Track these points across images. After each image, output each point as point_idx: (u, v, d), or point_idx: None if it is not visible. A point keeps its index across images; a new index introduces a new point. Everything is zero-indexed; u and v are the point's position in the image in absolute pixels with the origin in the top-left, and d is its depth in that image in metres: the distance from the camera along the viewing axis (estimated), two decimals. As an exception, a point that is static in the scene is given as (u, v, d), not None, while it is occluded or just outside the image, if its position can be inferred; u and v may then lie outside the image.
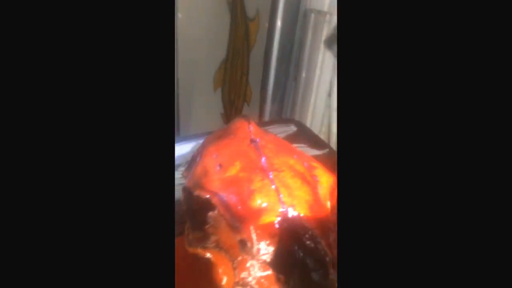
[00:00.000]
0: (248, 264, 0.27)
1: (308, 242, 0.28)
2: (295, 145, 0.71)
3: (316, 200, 0.34)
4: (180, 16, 1.22)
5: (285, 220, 0.30)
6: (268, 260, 0.28)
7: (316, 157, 0.72)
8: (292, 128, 0.76)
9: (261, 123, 0.86)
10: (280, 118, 1.27)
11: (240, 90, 1.55)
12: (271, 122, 0.81)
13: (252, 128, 0.43)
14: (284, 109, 1.51)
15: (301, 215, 0.31)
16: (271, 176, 0.35)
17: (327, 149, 0.71)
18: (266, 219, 0.29)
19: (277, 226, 0.29)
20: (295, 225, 0.30)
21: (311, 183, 0.36)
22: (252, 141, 0.41)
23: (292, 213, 0.31)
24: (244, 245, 0.28)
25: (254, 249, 0.27)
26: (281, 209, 0.31)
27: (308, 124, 1.31)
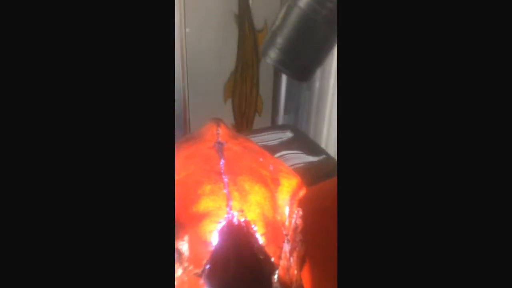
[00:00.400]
0: (178, 274, 0.25)
1: (251, 252, 0.25)
2: (289, 151, 0.68)
3: (272, 205, 0.31)
4: (188, 30, 1.25)
5: (229, 226, 0.27)
6: (200, 272, 0.25)
7: (311, 164, 0.68)
8: (288, 135, 0.73)
9: (256, 130, 0.84)
10: (276, 125, 1.24)
11: (250, 101, 1.55)
12: (266, 129, 0.79)
13: (220, 131, 0.41)
14: (299, 120, 1.48)
15: (249, 221, 0.28)
16: (225, 180, 0.32)
17: (324, 156, 0.67)
18: (206, 226, 0.27)
19: (216, 234, 0.26)
20: (239, 232, 0.27)
21: (271, 187, 0.33)
22: (218, 143, 0.39)
23: (238, 219, 0.28)
24: (179, 254, 0.25)
25: (185, 260, 0.25)
26: (226, 215, 0.28)
27: (324, 135, 1.27)
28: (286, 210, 0.32)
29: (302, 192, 0.34)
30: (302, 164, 0.65)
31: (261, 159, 0.38)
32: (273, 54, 0.46)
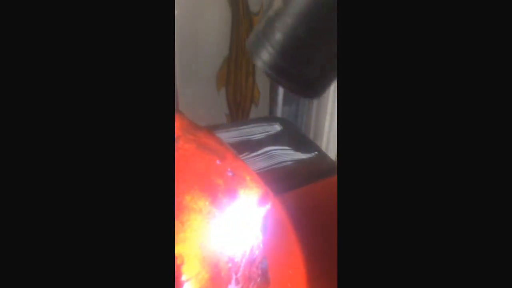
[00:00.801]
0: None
1: None
2: (276, 147, 0.59)
3: (218, 231, 0.22)
4: (177, 12, 1.15)
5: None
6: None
7: (301, 162, 0.59)
8: (276, 128, 0.64)
9: (238, 123, 0.74)
10: (265, 116, 1.15)
11: (246, 91, 1.45)
12: (251, 120, 0.69)
13: (178, 124, 0.32)
14: (300, 112, 1.39)
15: (175, 256, 0.19)
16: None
17: (315, 153, 0.58)
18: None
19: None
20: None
21: (223, 202, 0.24)
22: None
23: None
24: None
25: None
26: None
27: (325, 129, 1.17)
28: (240, 236, 0.23)
29: (266, 208, 0.25)
30: (290, 162, 0.56)
31: (218, 162, 0.29)
32: (266, 55, 0.30)
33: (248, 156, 0.58)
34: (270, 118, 0.71)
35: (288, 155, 0.57)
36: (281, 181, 0.53)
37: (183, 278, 0.19)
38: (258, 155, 0.58)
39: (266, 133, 0.63)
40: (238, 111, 1.47)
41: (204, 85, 1.33)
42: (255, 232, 0.25)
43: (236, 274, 0.22)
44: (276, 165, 0.57)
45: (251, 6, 1.34)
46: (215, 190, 0.26)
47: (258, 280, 0.24)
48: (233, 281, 0.21)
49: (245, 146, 0.59)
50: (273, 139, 0.62)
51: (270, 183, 0.53)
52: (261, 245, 0.25)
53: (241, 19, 1.33)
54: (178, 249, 0.19)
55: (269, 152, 0.59)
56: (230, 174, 0.29)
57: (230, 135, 0.61)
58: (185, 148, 0.31)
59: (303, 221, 0.41)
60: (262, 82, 1.47)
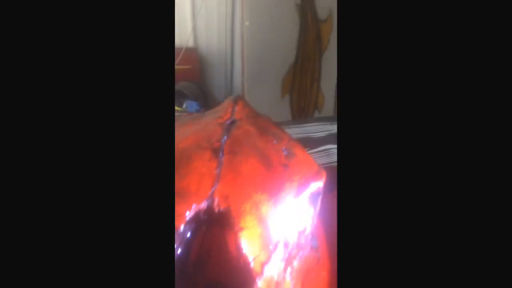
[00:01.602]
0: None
1: (226, 250, 0.19)
2: (336, 146, 0.59)
3: (270, 196, 0.23)
4: (247, 23, 1.22)
5: (203, 212, 0.21)
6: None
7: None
8: (334, 127, 0.64)
9: (302, 121, 0.74)
10: (328, 116, 1.12)
11: (310, 97, 1.45)
12: (314, 119, 0.70)
13: (236, 108, 0.35)
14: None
15: (230, 209, 0.21)
16: (221, 159, 0.26)
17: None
18: (179, 207, 0.21)
19: (187, 217, 0.21)
20: (215, 222, 0.21)
21: (276, 172, 0.26)
22: (228, 120, 0.33)
23: (218, 205, 0.22)
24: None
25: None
26: (206, 199, 0.22)
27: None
28: (291, 204, 0.24)
29: (319, 185, 0.26)
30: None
31: (275, 142, 0.31)
32: None
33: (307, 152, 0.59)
34: (332, 117, 0.70)
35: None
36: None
37: (238, 229, 0.21)
38: (317, 151, 0.59)
39: (328, 132, 0.64)
40: (301, 116, 1.48)
41: (269, 91, 1.37)
42: (307, 206, 0.26)
43: (285, 238, 0.23)
44: (333, 163, 0.57)
45: (319, 14, 1.35)
46: (271, 163, 0.28)
47: (307, 251, 0.25)
48: (281, 245, 0.23)
49: (305, 143, 0.61)
50: (334, 138, 0.62)
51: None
52: (312, 220, 0.26)
53: (309, 27, 1.35)
54: (221, 191, 0.22)
55: (329, 150, 0.59)
56: (285, 152, 0.31)
57: (291, 132, 0.62)
58: (245, 128, 0.34)
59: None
60: (327, 88, 1.46)
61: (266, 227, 0.22)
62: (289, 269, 0.22)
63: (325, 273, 0.27)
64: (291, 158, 0.28)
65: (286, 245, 0.23)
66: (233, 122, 0.34)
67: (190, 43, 1.29)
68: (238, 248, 0.20)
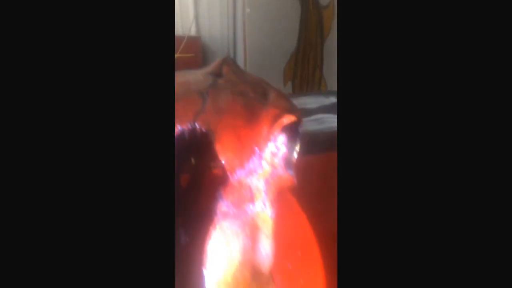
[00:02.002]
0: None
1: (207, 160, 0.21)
2: (327, 115, 0.60)
3: (248, 124, 0.25)
4: (248, 10, 1.23)
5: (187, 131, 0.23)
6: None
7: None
8: (331, 100, 0.65)
9: (298, 94, 0.76)
10: (325, 90, 1.13)
11: (313, 84, 1.46)
12: (310, 93, 0.71)
13: (225, 66, 0.37)
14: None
15: (212, 130, 0.23)
16: (206, 98, 0.28)
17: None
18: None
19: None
20: (197, 138, 0.23)
21: (256, 107, 0.28)
22: (217, 72, 0.35)
23: (199, 128, 0.24)
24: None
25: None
26: (189, 122, 0.24)
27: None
28: (265, 132, 0.26)
29: (289, 119, 0.28)
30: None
31: (258, 89, 0.32)
32: None
33: (300, 121, 0.60)
34: (329, 92, 0.72)
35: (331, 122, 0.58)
36: (324, 143, 0.54)
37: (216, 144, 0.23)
38: (310, 120, 0.60)
39: (321, 104, 0.65)
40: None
41: (271, 79, 1.38)
42: (277, 133, 0.28)
43: (260, 156, 0.25)
44: (324, 129, 0.58)
45: (320, 0, 1.36)
46: (251, 101, 0.30)
47: (282, 171, 0.27)
48: (255, 159, 0.25)
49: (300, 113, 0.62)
50: (327, 109, 0.63)
51: (315, 144, 0.55)
52: (282, 148, 0.28)
53: (310, 14, 1.36)
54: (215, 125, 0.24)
55: (320, 119, 0.60)
56: (264, 93, 0.33)
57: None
58: (231, 78, 0.36)
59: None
60: (329, 75, 1.47)
61: (242, 145, 0.24)
62: (262, 181, 0.24)
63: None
64: (270, 99, 0.30)
65: (260, 158, 0.25)
66: (220, 74, 0.36)
67: (193, 32, 1.31)
68: (216, 160, 0.21)
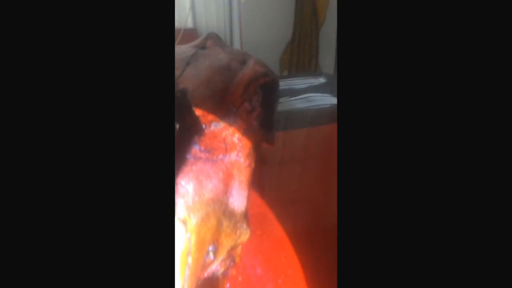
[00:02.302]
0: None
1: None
2: (316, 94, 0.62)
3: (225, 80, 0.28)
4: (243, 1, 1.25)
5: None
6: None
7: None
8: (320, 80, 0.67)
9: (288, 76, 0.77)
10: (314, 71, 1.15)
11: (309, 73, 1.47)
12: (300, 74, 0.73)
13: (209, 41, 0.39)
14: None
15: (184, 90, 0.25)
16: (186, 66, 0.31)
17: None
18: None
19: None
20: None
21: (232, 71, 0.30)
22: (201, 45, 0.37)
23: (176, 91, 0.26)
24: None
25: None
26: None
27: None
28: (240, 91, 0.28)
29: (263, 80, 0.30)
30: (328, 106, 0.58)
31: (238, 57, 0.34)
32: None
33: (288, 99, 0.62)
34: (318, 73, 0.74)
35: (326, 100, 0.60)
36: (314, 118, 0.56)
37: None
38: (298, 98, 0.62)
39: (310, 84, 0.67)
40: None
41: (268, 69, 1.40)
42: (254, 95, 0.30)
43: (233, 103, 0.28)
44: (314, 107, 0.60)
45: (314, -11, 1.37)
46: (228, 63, 0.32)
47: (257, 126, 0.30)
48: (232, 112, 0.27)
49: (287, 92, 0.64)
50: (315, 88, 0.65)
51: (305, 119, 0.57)
52: (257, 107, 0.30)
53: (305, 2, 1.38)
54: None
55: (309, 97, 0.62)
56: (241, 58, 0.35)
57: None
58: (213, 48, 0.38)
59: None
60: (325, 64, 1.48)
61: (217, 102, 0.26)
62: (236, 136, 0.27)
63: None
64: (247, 64, 0.32)
65: (235, 114, 0.27)
66: (204, 47, 0.39)
67: (189, 24, 1.33)
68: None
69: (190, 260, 0.20)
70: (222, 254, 0.25)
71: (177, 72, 0.30)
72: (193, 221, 0.21)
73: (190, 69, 0.31)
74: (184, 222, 0.20)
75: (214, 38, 0.41)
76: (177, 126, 0.36)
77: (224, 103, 0.27)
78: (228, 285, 0.29)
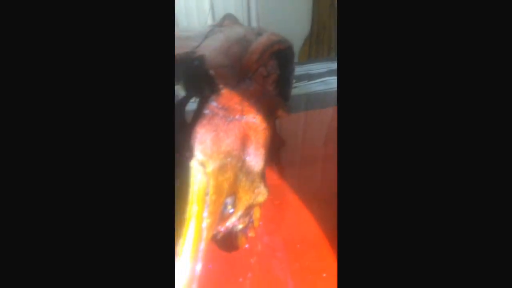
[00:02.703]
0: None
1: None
2: (333, 77, 0.62)
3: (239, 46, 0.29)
4: (262, -4, 1.26)
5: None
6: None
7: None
8: (331, 66, 0.67)
9: (306, 61, 0.78)
10: (331, 56, 1.13)
11: (328, 67, 1.46)
12: (317, 60, 0.73)
13: (226, 21, 0.41)
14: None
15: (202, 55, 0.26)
16: (203, 39, 0.32)
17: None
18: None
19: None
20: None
21: (248, 41, 0.31)
22: (219, 24, 0.39)
23: (193, 56, 0.27)
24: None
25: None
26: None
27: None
28: (256, 57, 0.29)
29: (278, 47, 0.31)
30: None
31: (254, 31, 0.35)
32: None
33: (305, 83, 0.63)
34: (334, 58, 0.74)
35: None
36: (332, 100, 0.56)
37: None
38: (315, 82, 0.63)
39: (327, 69, 0.67)
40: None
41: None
42: (270, 61, 0.31)
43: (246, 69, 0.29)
44: (329, 89, 0.60)
45: (332, -19, 1.37)
46: (247, 33, 0.34)
47: (273, 92, 0.31)
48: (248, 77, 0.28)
49: (305, 77, 0.65)
50: (333, 72, 0.65)
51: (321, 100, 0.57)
52: (273, 72, 0.31)
53: (322, -5, 1.37)
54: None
55: (325, 80, 0.62)
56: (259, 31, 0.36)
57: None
58: (231, 25, 0.39)
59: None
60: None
61: (233, 66, 0.27)
62: (253, 100, 0.28)
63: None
64: (262, 35, 0.33)
65: (250, 79, 0.28)
66: (221, 25, 0.40)
67: (209, 22, 1.36)
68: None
69: (208, 200, 0.21)
70: (241, 209, 0.26)
71: (194, 44, 0.32)
72: (211, 166, 0.22)
73: (207, 41, 0.32)
74: (203, 165, 0.21)
75: (231, 18, 0.43)
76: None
77: (240, 68, 0.28)
78: (247, 245, 0.30)
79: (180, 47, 0.32)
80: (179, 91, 0.36)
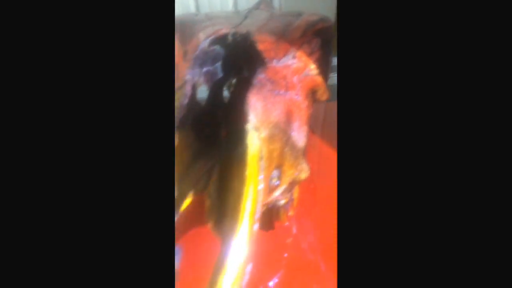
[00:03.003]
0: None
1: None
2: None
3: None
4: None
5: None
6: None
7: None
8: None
9: None
10: None
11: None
12: None
13: (262, 5, 0.41)
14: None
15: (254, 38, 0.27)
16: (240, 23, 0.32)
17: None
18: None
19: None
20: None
21: (290, 21, 0.31)
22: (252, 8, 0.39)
23: (237, 34, 0.27)
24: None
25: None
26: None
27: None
28: (299, 34, 0.28)
29: (321, 25, 0.30)
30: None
31: (294, 12, 0.35)
32: None
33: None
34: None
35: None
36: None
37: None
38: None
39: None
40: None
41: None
42: (313, 39, 0.31)
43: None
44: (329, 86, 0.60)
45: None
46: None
47: (315, 70, 0.30)
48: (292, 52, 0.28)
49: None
50: (333, 68, 0.64)
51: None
52: (315, 50, 0.31)
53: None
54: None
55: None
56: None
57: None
58: (266, 10, 0.39)
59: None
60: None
61: (278, 42, 0.27)
62: (296, 77, 0.28)
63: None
64: (303, 15, 0.33)
65: (294, 56, 0.28)
66: (257, 8, 0.40)
67: (231, 7, 1.36)
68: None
69: (262, 164, 0.21)
70: (285, 183, 0.26)
71: (235, 22, 0.32)
72: (263, 133, 0.22)
73: (248, 19, 0.32)
74: (257, 129, 0.21)
75: (266, 2, 0.43)
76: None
77: (284, 44, 0.28)
78: (287, 223, 0.30)
79: (221, 24, 0.32)
80: (218, 71, 0.37)
